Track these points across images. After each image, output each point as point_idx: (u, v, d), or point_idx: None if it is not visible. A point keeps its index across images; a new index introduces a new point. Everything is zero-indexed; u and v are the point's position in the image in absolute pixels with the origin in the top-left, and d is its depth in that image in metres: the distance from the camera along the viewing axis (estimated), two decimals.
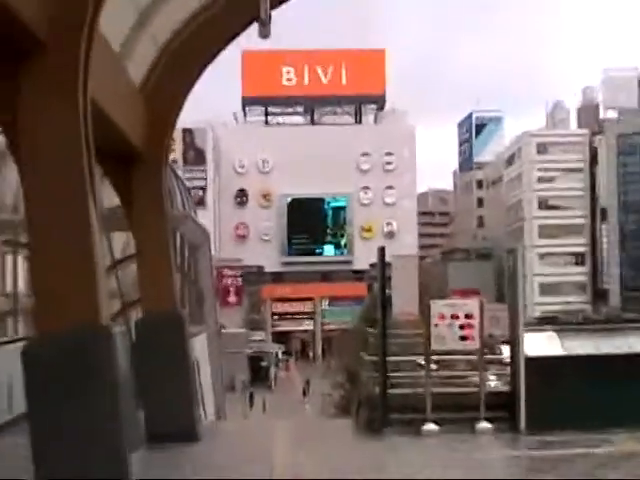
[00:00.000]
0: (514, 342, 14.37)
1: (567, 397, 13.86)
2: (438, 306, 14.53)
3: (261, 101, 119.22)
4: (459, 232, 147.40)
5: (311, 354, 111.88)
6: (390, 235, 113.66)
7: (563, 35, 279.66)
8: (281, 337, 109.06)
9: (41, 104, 7.85)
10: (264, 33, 11.86)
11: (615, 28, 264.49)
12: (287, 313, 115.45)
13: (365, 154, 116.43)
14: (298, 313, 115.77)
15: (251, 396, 66.12)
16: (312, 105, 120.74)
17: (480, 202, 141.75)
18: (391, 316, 16.09)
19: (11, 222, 17.43)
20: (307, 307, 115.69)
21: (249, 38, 13.58)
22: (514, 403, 14.14)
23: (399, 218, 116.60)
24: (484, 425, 14.13)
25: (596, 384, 13.95)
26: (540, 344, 14.42)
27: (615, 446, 12.80)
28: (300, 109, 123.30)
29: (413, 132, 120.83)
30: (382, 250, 15.26)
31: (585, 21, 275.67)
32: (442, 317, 14.34)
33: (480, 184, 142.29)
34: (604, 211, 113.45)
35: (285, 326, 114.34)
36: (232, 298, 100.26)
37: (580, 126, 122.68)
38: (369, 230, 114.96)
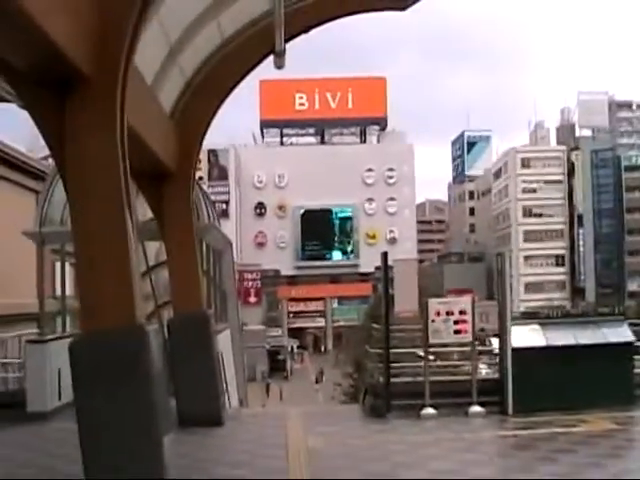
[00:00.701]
0: (502, 335, 14.38)
1: (549, 383, 13.89)
2: (434, 304, 14.54)
3: (277, 124, 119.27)
4: (453, 238, 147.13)
5: (323, 348, 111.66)
6: (392, 241, 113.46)
7: (544, 61, 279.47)
8: (296, 333, 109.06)
9: (84, 130, 7.91)
10: (279, 64, 11.89)
11: (590, 54, 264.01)
12: (301, 311, 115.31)
13: (369, 169, 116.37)
14: (311, 311, 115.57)
15: (267, 387, 65.98)
16: (322, 127, 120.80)
17: (472, 211, 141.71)
18: (393, 313, 16.10)
19: (59, 233, 17.50)
20: (319, 306, 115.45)
21: (266, 68, 13.64)
22: (502, 389, 14.13)
23: (400, 226, 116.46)
24: (476, 409, 14.13)
25: (574, 371, 13.96)
26: (525, 336, 14.40)
27: (591, 425, 12.82)
28: (311, 130, 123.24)
29: (412, 150, 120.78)
30: (385, 255, 15.29)
31: (563, 48, 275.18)
32: (438, 313, 14.36)
33: (472, 195, 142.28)
34: (581, 218, 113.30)
35: (299, 323, 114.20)
36: (252, 298, 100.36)
37: (559, 143, 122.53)
38: (373, 237, 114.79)
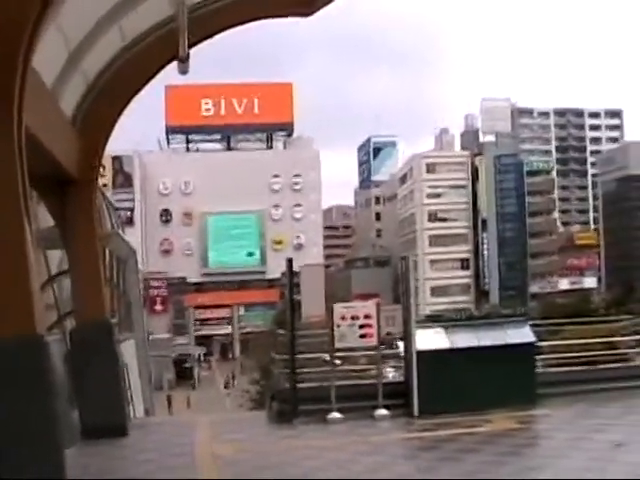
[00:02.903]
0: (407, 338, 14.59)
1: (453, 384, 14.12)
2: (340, 309, 14.65)
3: (183, 130, 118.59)
4: (360, 243, 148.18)
5: (230, 355, 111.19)
6: (299, 247, 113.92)
7: (449, 68, 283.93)
8: (203, 340, 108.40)
9: None
10: (183, 70, 11.84)
11: (493, 62, 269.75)
12: (208, 319, 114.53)
13: (276, 176, 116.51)
14: (218, 318, 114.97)
15: (169, 399, 64.33)
16: (228, 133, 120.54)
17: (378, 216, 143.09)
18: (301, 319, 16.16)
19: None
20: (226, 313, 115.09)
21: (173, 73, 13.52)
22: (408, 391, 14.34)
23: (307, 232, 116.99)
24: (382, 412, 14.29)
25: (478, 372, 14.22)
26: (429, 339, 14.62)
27: (495, 425, 13.11)
28: (218, 136, 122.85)
29: (318, 156, 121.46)
30: (290, 261, 15.36)
31: (468, 55, 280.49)
32: (343, 318, 14.47)
33: (378, 200, 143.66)
34: (485, 222, 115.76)
35: (206, 330, 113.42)
36: (158, 307, 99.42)
37: (463, 148, 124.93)
38: (280, 243, 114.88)
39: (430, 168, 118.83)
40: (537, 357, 15.51)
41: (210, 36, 13.69)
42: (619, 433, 12.23)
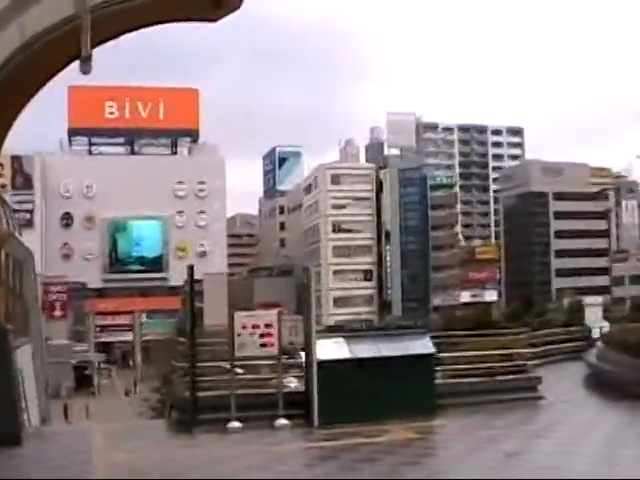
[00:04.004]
0: (307, 348, 14.60)
1: (354, 394, 14.22)
2: (241, 317, 14.59)
3: (86, 132, 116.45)
4: (264, 252, 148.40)
5: (131, 362, 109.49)
6: (202, 254, 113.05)
7: (357, 82, 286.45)
8: (104, 348, 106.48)
9: None
10: (85, 70, 11.60)
11: (400, 77, 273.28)
12: (109, 325, 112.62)
13: (180, 182, 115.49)
14: (119, 325, 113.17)
15: (65, 408, 62.35)
16: (132, 137, 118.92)
17: (282, 226, 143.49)
18: (203, 327, 16.04)
19: None
20: (127, 320, 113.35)
21: (77, 73, 13.21)
22: (308, 401, 14.34)
23: (210, 239, 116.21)
24: (282, 422, 14.28)
25: (377, 382, 14.36)
26: (330, 349, 14.67)
27: (394, 435, 13.21)
28: (121, 140, 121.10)
29: (223, 163, 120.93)
30: (191, 268, 15.27)
31: (375, 70, 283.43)
32: (244, 327, 14.41)
33: (282, 210, 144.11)
34: (388, 234, 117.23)
35: (107, 337, 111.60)
36: (58, 312, 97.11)
37: (368, 161, 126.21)
38: (183, 250, 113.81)
39: (335, 179, 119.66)
40: (437, 368, 15.77)
41: (114, 37, 13.43)
42: (512, 443, 12.54)
